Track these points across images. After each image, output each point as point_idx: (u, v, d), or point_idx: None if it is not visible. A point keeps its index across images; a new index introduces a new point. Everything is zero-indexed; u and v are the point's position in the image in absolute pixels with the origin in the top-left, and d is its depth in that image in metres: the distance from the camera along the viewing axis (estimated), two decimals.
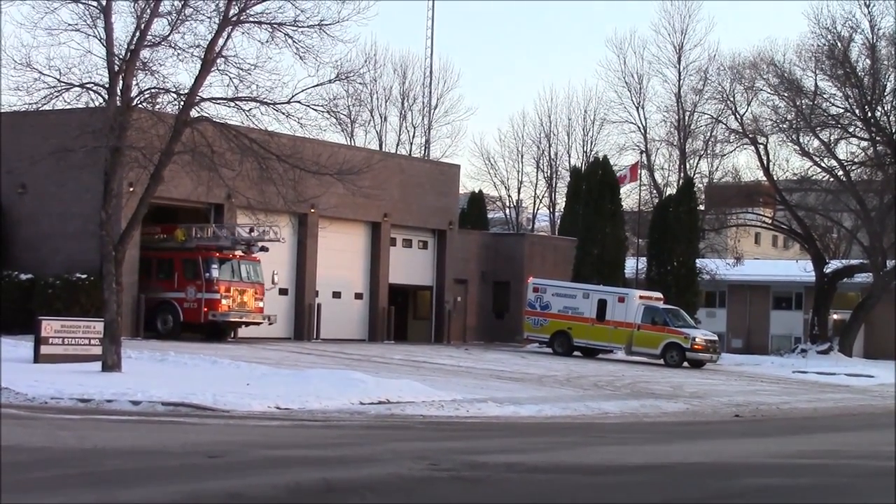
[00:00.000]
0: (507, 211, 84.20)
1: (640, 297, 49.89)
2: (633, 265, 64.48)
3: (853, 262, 68.21)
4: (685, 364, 48.04)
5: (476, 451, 18.18)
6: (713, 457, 18.97)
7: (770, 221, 71.63)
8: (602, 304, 49.49)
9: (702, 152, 76.16)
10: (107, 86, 28.76)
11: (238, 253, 41.99)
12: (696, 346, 48.27)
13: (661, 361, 48.08)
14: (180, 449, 16.43)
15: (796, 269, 69.55)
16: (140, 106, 29.15)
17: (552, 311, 50.21)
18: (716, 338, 51.06)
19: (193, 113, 29.42)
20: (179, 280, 41.30)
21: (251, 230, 41.73)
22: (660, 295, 51.43)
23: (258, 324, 42.36)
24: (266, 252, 42.78)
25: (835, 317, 69.80)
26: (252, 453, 16.32)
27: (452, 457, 16.90)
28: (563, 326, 49.95)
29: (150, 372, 28.55)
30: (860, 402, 36.66)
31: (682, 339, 48.17)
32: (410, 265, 53.14)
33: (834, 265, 66.46)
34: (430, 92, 78.31)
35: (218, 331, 41.62)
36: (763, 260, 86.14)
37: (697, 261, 63.02)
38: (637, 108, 79.20)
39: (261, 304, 42.23)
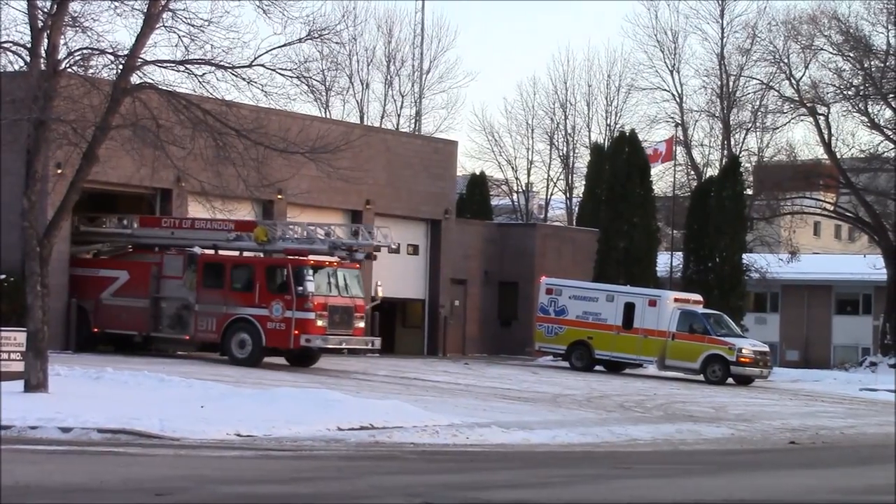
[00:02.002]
0: (515, 197, 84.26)
1: (676, 300, 49.92)
2: (667, 262, 64.53)
3: None
4: (730, 380, 48.06)
5: (478, 485, 18.18)
6: (764, 493, 18.98)
7: (832, 208, 71.73)
8: (629, 309, 49.53)
9: (749, 125, 76.16)
10: (28, 45, 28.72)
11: (334, 260, 40.05)
12: (742, 359, 48.30)
13: (702, 377, 48.09)
14: (121, 486, 16.42)
15: (864, 265, 69.64)
16: (70, 70, 29.11)
17: (569, 317, 50.24)
18: (767, 349, 51.13)
19: (135, 79, 29.38)
20: (262, 293, 39.00)
21: (355, 232, 40.24)
22: (699, 297, 51.46)
23: (359, 351, 41.45)
24: (372, 260, 41.52)
25: None
26: (207, 490, 16.30)
27: (449, 493, 16.89)
28: (582, 336, 49.96)
29: (83, 392, 28.53)
30: None
31: (726, 351, 48.20)
32: (397, 266, 53.05)
33: None
34: (422, 53, 78.35)
35: (305, 356, 39.99)
36: (824, 255, 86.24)
37: (744, 256, 63.08)
38: (671, 73, 79.17)
39: (361, 325, 40.45)
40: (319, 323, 38.60)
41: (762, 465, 24.69)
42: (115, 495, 15.49)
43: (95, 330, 41.30)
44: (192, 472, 18.55)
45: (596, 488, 18.84)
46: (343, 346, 39.86)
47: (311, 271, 38.85)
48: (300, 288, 38.39)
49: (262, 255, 40.42)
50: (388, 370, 40.84)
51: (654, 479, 20.58)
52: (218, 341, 39.48)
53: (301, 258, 39.26)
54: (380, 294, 42.63)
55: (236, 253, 40.62)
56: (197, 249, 39.91)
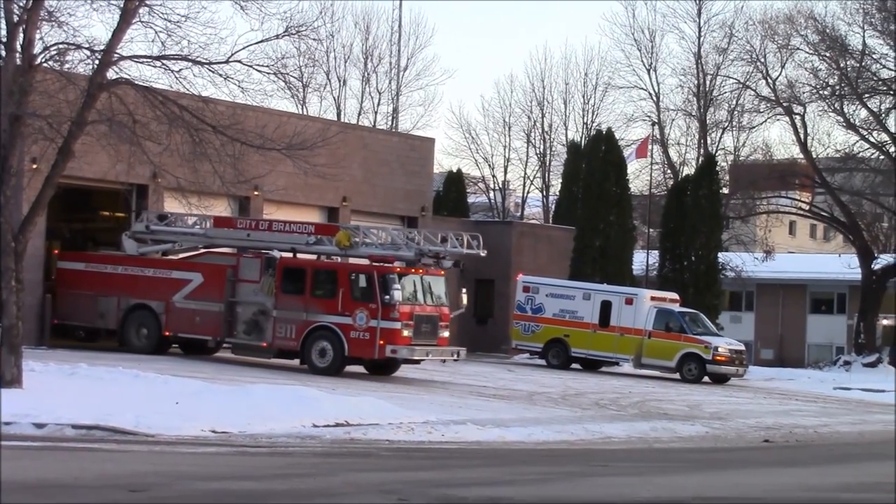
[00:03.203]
0: (492, 194, 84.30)
1: (652, 299, 50.06)
2: (643, 260, 64.67)
3: None
4: (706, 379, 48.22)
5: (453, 483, 18.20)
6: (738, 491, 19.04)
7: (807, 208, 71.96)
8: (606, 307, 49.63)
9: (726, 124, 76.34)
10: (3, 40, 28.62)
11: (420, 267, 38.48)
12: (718, 358, 48.47)
13: (678, 375, 48.24)
14: (95, 482, 16.39)
15: (839, 265, 69.91)
16: (45, 65, 29.02)
17: (546, 314, 50.34)
18: (742, 347, 51.32)
19: (111, 74, 29.30)
20: (345, 300, 37.41)
21: (444, 238, 38.67)
22: (675, 296, 51.61)
23: (445, 360, 40.23)
24: (460, 269, 40.31)
25: (885, 322, 70.24)
26: (182, 486, 16.28)
27: (425, 490, 16.90)
28: (558, 334, 50.08)
29: (57, 388, 28.43)
30: None
31: (702, 349, 48.35)
32: None
33: (884, 260, 66.80)
34: (399, 51, 78.28)
35: (385, 365, 38.56)
36: (799, 254, 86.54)
37: (720, 255, 63.26)
38: (648, 71, 79.30)
39: (446, 334, 38.93)
40: (405, 333, 37.17)
41: (736, 463, 24.77)
42: (90, 492, 15.46)
43: (167, 333, 39.90)
44: (167, 468, 18.53)
45: (571, 486, 18.87)
46: (429, 356, 38.45)
47: (398, 279, 37.28)
48: (387, 296, 36.82)
49: (339, 259, 39.19)
50: (362, 367, 40.78)
51: (629, 477, 20.63)
52: (297, 349, 37.95)
53: (387, 265, 37.80)
54: (464, 302, 41.45)
55: (314, 257, 39.28)
56: (276, 253, 38.73)
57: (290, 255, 39.05)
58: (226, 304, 39.05)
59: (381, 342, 36.90)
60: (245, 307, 38.79)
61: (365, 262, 38.25)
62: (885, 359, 63.19)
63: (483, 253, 39.00)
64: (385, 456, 22.11)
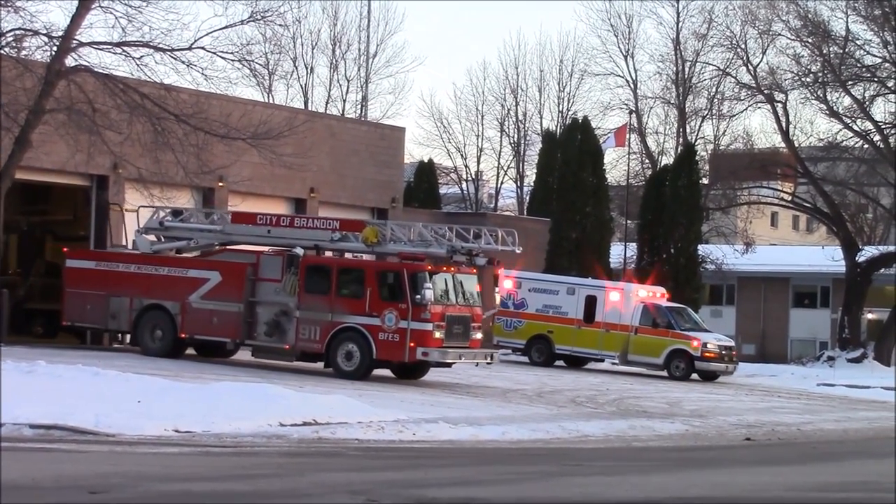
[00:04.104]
0: (464, 185, 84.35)
1: (639, 294, 49.95)
2: (621, 253, 64.80)
3: (892, 248, 68.87)
4: (695, 376, 48.14)
5: (424, 483, 18.21)
6: (719, 490, 19.09)
7: (790, 198, 72.14)
8: (591, 302, 49.53)
9: (705, 112, 76.70)
10: None
11: (452, 265, 37.62)
12: (707, 354, 48.33)
13: (665, 373, 48.18)
14: (54, 483, 16.34)
15: (822, 257, 70.10)
16: (2, 52, 28.92)
17: (529, 310, 50.31)
18: (732, 343, 51.12)
19: (70, 61, 29.27)
20: (373, 300, 36.50)
21: (477, 234, 37.99)
22: (663, 290, 51.50)
23: (478, 364, 39.25)
24: (495, 267, 38.95)
25: (869, 316, 70.50)
26: (144, 487, 16.25)
27: (395, 491, 16.91)
28: (542, 330, 49.99)
29: (14, 386, 28.27)
30: None
31: (690, 346, 48.27)
32: None
33: (869, 252, 67.04)
34: (368, 37, 78.29)
35: (413, 368, 37.88)
36: (781, 246, 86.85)
37: (700, 247, 63.43)
38: (625, 58, 79.59)
39: (479, 336, 38.11)
40: (437, 335, 36.24)
41: (717, 461, 24.84)
42: (48, 493, 15.42)
43: (183, 335, 38.94)
44: (129, 468, 18.49)
45: (546, 486, 18.91)
46: (461, 359, 37.53)
47: (429, 278, 36.34)
48: (417, 296, 35.88)
49: (363, 256, 38.59)
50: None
51: (606, 477, 20.67)
52: (322, 352, 37.06)
53: (417, 263, 36.78)
54: (498, 301, 40.81)
55: (338, 254, 38.61)
56: (299, 250, 37.70)
57: (313, 252, 38.19)
58: (245, 305, 38.00)
59: (412, 344, 35.98)
60: (266, 307, 37.84)
61: (393, 259, 37.47)
62: (869, 354, 63.40)
63: (519, 250, 38.38)
64: (354, 456, 22.10)
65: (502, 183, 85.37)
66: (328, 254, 38.52)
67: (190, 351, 39.95)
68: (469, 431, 26.47)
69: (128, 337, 40.72)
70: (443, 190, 77.54)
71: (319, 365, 37.31)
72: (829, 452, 28.14)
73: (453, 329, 36.78)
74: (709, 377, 48.58)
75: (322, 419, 26.01)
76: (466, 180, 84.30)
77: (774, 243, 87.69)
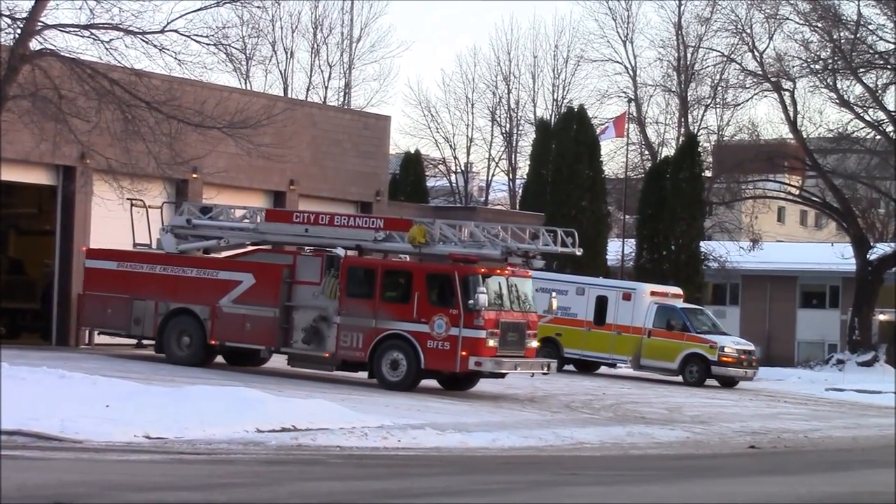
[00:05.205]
0: (453, 177, 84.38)
1: (652, 294, 49.71)
2: (619, 249, 64.89)
3: None
4: (712, 382, 47.88)
5: (410, 493, 18.23)
6: (721, 500, 19.13)
7: (797, 192, 72.32)
8: (601, 303, 49.34)
9: (709, 101, 76.76)
10: None
11: (506, 267, 36.81)
12: (725, 359, 48.11)
13: (680, 378, 48.10)
14: (16, 492, 16.34)
15: (831, 255, 70.29)
16: None
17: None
18: (752, 347, 50.83)
19: (34, 44, 29.22)
20: (421, 306, 35.72)
21: (534, 234, 37.32)
22: (678, 290, 51.22)
23: (533, 374, 38.36)
24: (549, 269, 38.37)
25: (881, 317, 70.60)
26: (113, 497, 16.25)
27: (378, 500, 16.92)
28: (549, 332, 49.55)
29: None
30: None
31: (706, 349, 48.10)
32: None
33: (880, 250, 67.18)
34: (352, 20, 78.29)
35: (462, 378, 37.11)
36: (788, 243, 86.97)
37: (702, 244, 63.55)
38: (624, 44, 79.65)
39: (534, 344, 37.40)
40: (491, 343, 35.41)
41: (719, 470, 24.89)
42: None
43: (213, 342, 38.24)
44: (96, 477, 18.49)
45: (538, 496, 18.93)
46: (517, 369, 36.46)
47: (482, 282, 35.55)
48: (470, 301, 35.04)
49: (407, 257, 37.91)
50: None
51: (601, 487, 20.70)
52: (364, 360, 36.28)
53: (470, 265, 36.04)
54: (555, 307, 40.40)
55: (381, 256, 37.90)
56: (339, 251, 37.03)
57: (355, 253, 37.59)
58: (281, 309, 37.30)
59: (464, 353, 35.13)
60: (303, 312, 37.17)
61: (444, 261, 36.54)
62: (881, 357, 63.59)
63: (579, 251, 37.82)
64: (335, 464, 22.12)
65: (493, 175, 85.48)
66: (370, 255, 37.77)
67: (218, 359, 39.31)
68: (457, 438, 26.49)
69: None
70: (430, 183, 77.55)
71: (362, 375, 36.64)
72: (837, 461, 28.20)
73: (508, 337, 35.93)
74: (727, 383, 48.37)
75: (302, 425, 26.02)
76: (455, 172, 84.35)
77: (781, 240, 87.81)
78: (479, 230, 37.43)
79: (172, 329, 38.51)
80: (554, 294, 41.26)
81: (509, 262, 36.63)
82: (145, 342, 39.83)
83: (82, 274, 41.08)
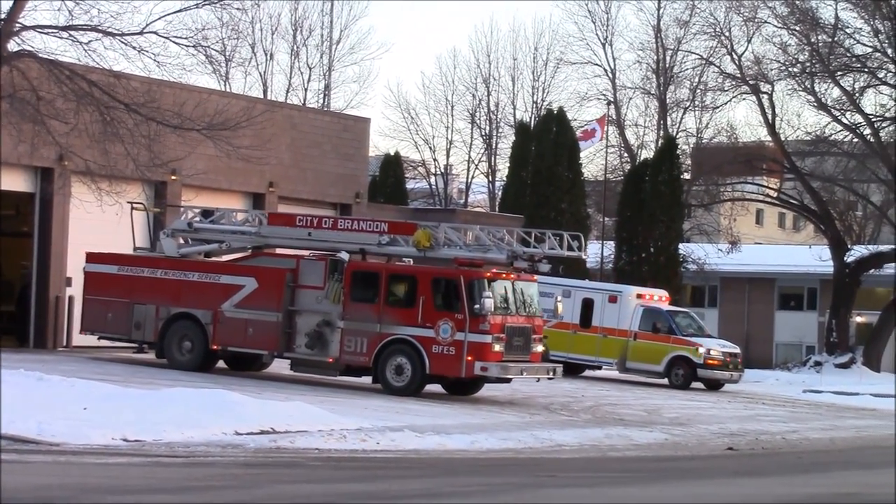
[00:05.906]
0: (433, 179, 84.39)
1: (638, 297, 49.72)
2: (598, 252, 64.89)
3: (883, 248, 69.14)
4: (698, 385, 47.86)
5: (389, 495, 18.20)
6: (700, 501, 19.12)
7: (776, 195, 72.44)
8: (587, 306, 49.36)
9: (687, 104, 76.88)
10: None
11: (511, 271, 36.50)
12: (710, 361, 48.10)
13: (666, 381, 48.07)
14: None
15: (809, 257, 70.43)
16: None
17: None
18: (737, 350, 50.79)
19: (12, 45, 29.12)
20: (426, 310, 35.41)
21: (538, 238, 36.91)
22: (664, 293, 51.27)
23: (539, 379, 37.91)
24: (555, 273, 37.74)
25: (859, 319, 70.75)
26: (90, 500, 16.18)
27: (357, 503, 16.87)
28: None
29: None
30: (889, 431, 37.19)
31: (692, 352, 48.11)
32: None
33: (858, 252, 67.31)
34: (331, 22, 78.26)
35: (467, 384, 36.93)
36: (766, 245, 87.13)
37: (681, 246, 63.61)
38: (604, 46, 79.72)
39: (540, 349, 37.19)
40: (497, 347, 35.17)
41: (697, 472, 24.89)
42: None
43: (215, 347, 37.85)
44: (74, 480, 18.43)
45: (516, 497, 18.92)
46: (523, 374, 36.21)
47: (488, 286, 35.24)
48: (476, 305, 34.75)
49: (411, 261, 37.50)
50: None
51: (580, 489, 20.70)
52: (369, 365, 36.04)
53: (475, 269, 35.73)
54: (560, 311, 40.16)
55: (385, 259, 37.56)
56: (343, 255, 36.68)
57: (358, 256, 37.16)
58: (284, 314, 36.99)
59: (469, 358, 34.91)
60: (307, 317, 36.89)
61: (449, 265, 36.20)
62: (858, 359, 63.71)
63: (585, 255, 37.69)
64: (314, 466, 22.08)
65: (473, 177, 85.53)
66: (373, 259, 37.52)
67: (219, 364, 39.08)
68: (436, 440, 26.48)
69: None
70: (410, 185, 77.55)
71: (366, 380, 36.40)
72: (815, 463, 28.24)
73: (514, 341, 35.70)
74: (713, 386, 48.43)
75: (280, 427, 25.97)
76: (435, 174, 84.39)
77: (759, 242, 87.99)
78: (485, 234, 37.21)
79: (174, 334, 38.18)
80: (559, 297, 41.11)
81: (515, 266, 36.36)
82: (146, 347, 39.55)
83: (60, 275, 40.91)
